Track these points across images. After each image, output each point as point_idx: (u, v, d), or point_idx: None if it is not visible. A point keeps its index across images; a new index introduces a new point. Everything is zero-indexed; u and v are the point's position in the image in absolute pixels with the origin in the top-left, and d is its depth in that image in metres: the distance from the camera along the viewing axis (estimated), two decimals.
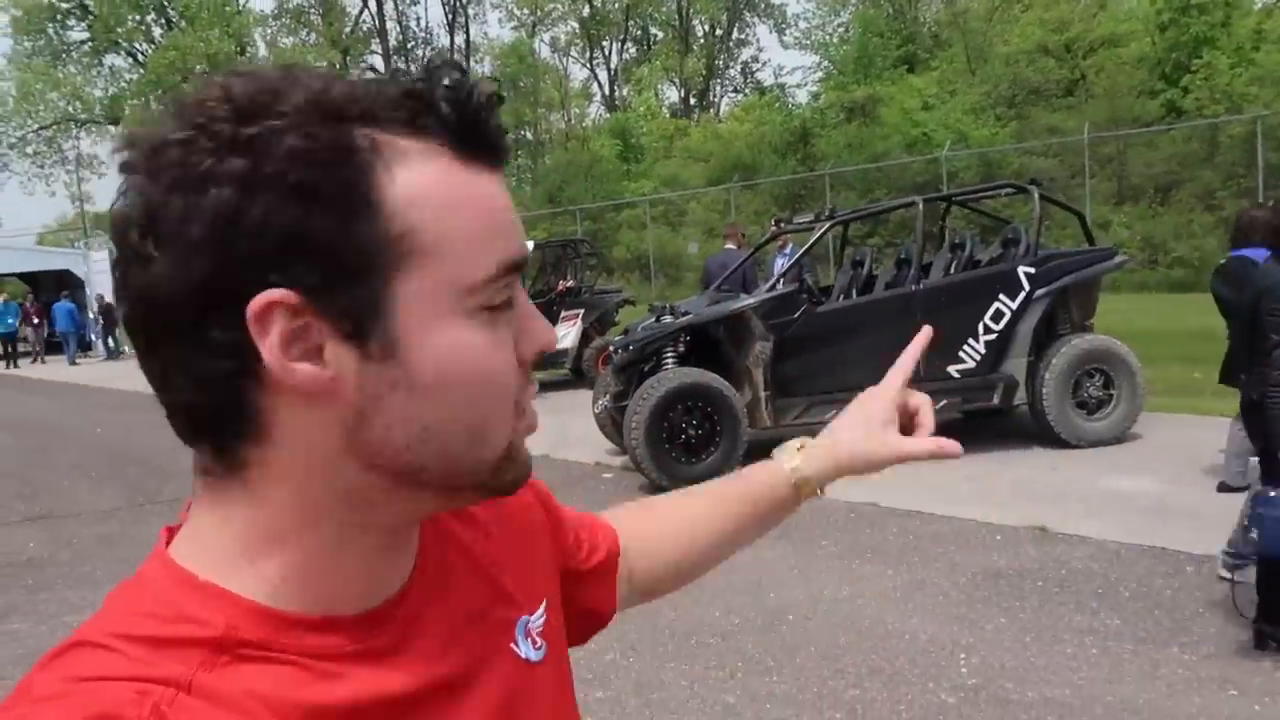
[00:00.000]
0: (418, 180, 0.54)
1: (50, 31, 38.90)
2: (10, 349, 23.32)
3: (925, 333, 0.99)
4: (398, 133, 0.54)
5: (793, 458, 0.95)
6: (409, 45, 46.84)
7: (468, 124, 0.56)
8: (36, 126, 40.09)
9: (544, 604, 0.73)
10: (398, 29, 46.23)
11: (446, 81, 0.55)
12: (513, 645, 0.68)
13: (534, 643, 0.70)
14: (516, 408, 0.59)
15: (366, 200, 0.52)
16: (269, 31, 40.51)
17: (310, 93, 0.52)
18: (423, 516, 0.62)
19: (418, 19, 59.27)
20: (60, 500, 7.88)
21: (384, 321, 0.53)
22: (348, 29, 42.39)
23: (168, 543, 0.59)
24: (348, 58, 42.37)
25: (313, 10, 41.71)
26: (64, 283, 26.03)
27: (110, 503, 7.59)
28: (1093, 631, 3.92)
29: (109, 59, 40.80)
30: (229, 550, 0.57)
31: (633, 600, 0.93)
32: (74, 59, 40.21)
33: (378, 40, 44.84)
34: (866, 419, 0.93)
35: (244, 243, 0.51)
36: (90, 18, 38.25)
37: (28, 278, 29.18)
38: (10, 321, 23.29)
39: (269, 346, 0.52)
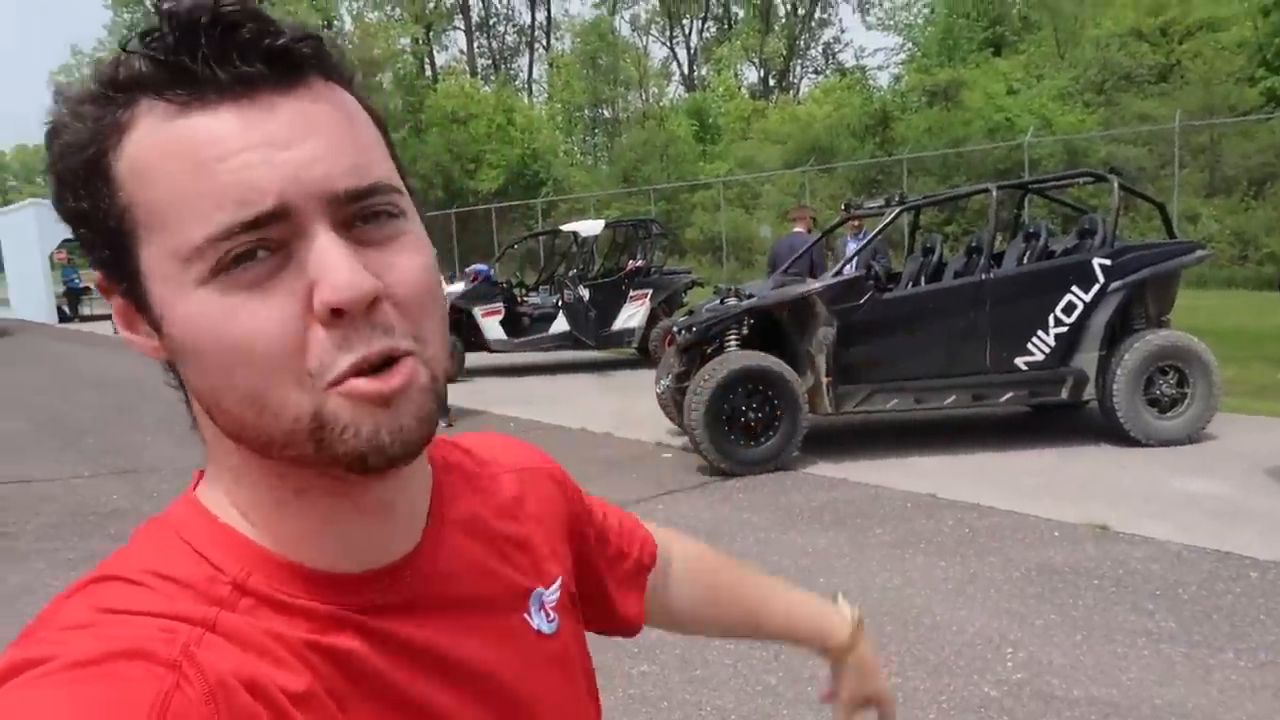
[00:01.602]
0: (131, 146, 0.53)
1: (147, 4, 40.22)
2: None
3: None
4: (140, 97, 0.53)
5: (849, 630, 1.01)
6: (490, 21, 47.27)
7: (171, 66, 0.52)
8: None
9: (558, 581, 0.74)
10: (480, 5, 46.66)
11: (149, 27, 0.53)
12: (526, 616, 0.69)
13: (547, 615, 0.71)
14: (303, 371, 0.53)
15: (106, 178, 0.53)
16: (355, 5, 41.19)
17: (90, 77, 0.54)
18: (319, 482, 0.57)
19: None
20: (144, 455, 8.26)
21: (146, 298, 0.55)
22: (431, 4, 42.87)
23: (196, 485, 0.63)
24: (430, 32, 42.89)
25: None
26: None
27: (191, 459, 7.83)
28: (1146, 633, 3.85)
29: None
30: (225, 496, 0.61)
31: (651, 618, 0.93)
32: None
33: (460, 16, 45.32)
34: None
35: (72, 229, 0.57)
36: None
37: None
38: None
39: (113, 317, 0.59)
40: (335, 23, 40.41)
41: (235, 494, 0.60)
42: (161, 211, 0.52)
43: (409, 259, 0.56)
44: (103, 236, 0.55)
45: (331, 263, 0.52)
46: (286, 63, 0.53)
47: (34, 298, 27.44)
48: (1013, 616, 4.09)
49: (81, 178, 0.54)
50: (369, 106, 0.60)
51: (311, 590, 0.58)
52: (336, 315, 0.52)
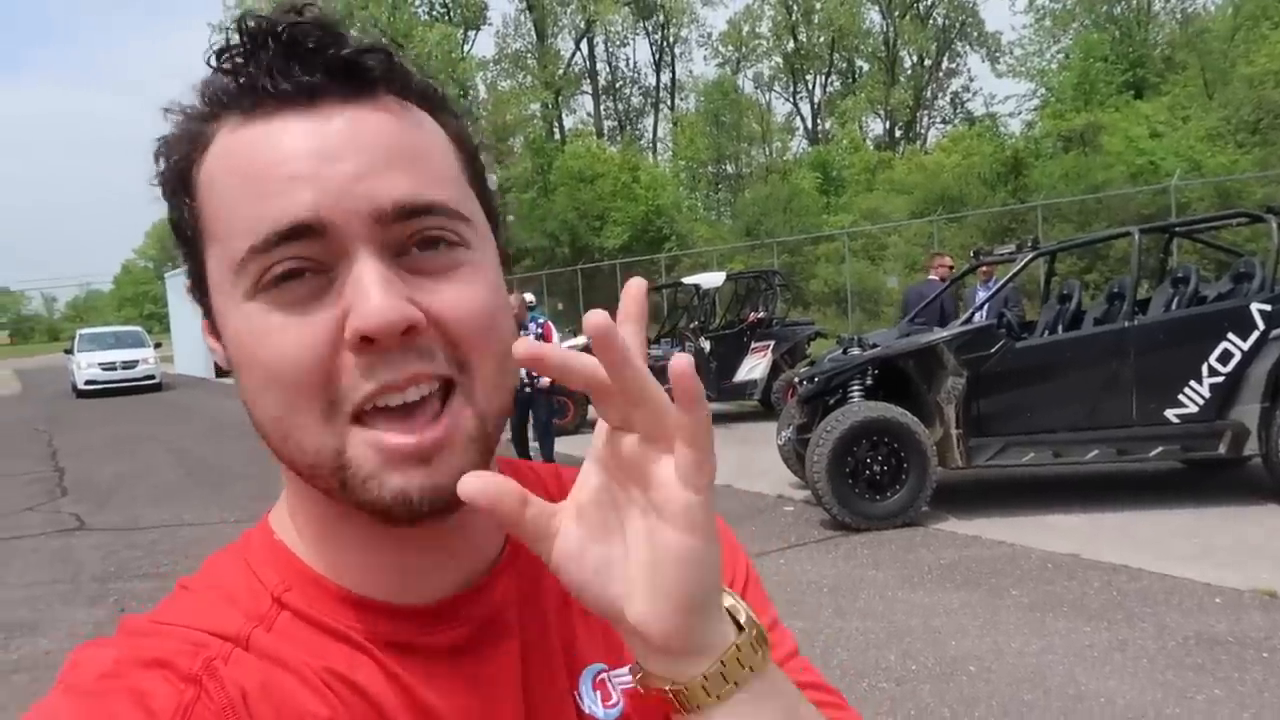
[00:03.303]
0: (209, 158, 0.53)
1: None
2: None
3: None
4: (222, 111, 0.54)
5: None
6: (617, 84, 48.60)
7: (241, 79, 0.52)
8: None
9: None
10: (607, 69, 48.11)
11: (222, 46, 0.53)
12: (575, 694, 0.62)
13: (606, 697, 0.62)
14: (326, 402, 0.51)
15: (189, 189, 0.55)
16: (489, 75, 43.09)
17: (192, 93, 0.55)
18: (359, 514, 0.54)
19: (626, 59, 61.54)
20: None
21: (212, 307, 0.55)
22: (560, 71, 44.46)
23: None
24: (559, 97, 44.41)
25: (529, 54, 44.09)
26: None
27: None
28: None
29: None
30: (287, 515, 0.61)
31: None
32: None
33: (588, 81, 46.78)
34: None
35: (173, 237, 0.57)
36: None
37: None
38: None
39: (201, 326, 0.58)
40: (470, 91, 42.39)
41: (295, 509, 0.60)
42: (220, 220, 0.52)
43: (462, 289, 0.53)
44: (185, 245, 0.56)
45: (366, 288, 0.49)
46: (352, 75, 0.52)
47: (194, 354, 29.43)
48: (1169, 689, 3.75)
49: (173, 188, 0.55)
50: (456, 132, 0.58)
51: (344, 614, 0.57)
52: (367, 342, 0.50)
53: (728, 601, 0.51)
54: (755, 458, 8.74)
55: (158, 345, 26.44)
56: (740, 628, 0.51)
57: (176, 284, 30.32)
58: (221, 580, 0.58)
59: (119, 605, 5.71)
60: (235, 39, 0.52)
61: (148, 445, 13.39)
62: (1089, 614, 4.62)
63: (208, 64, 0.54)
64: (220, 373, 28.25)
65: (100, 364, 23.71)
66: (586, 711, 0.61)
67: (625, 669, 0.62)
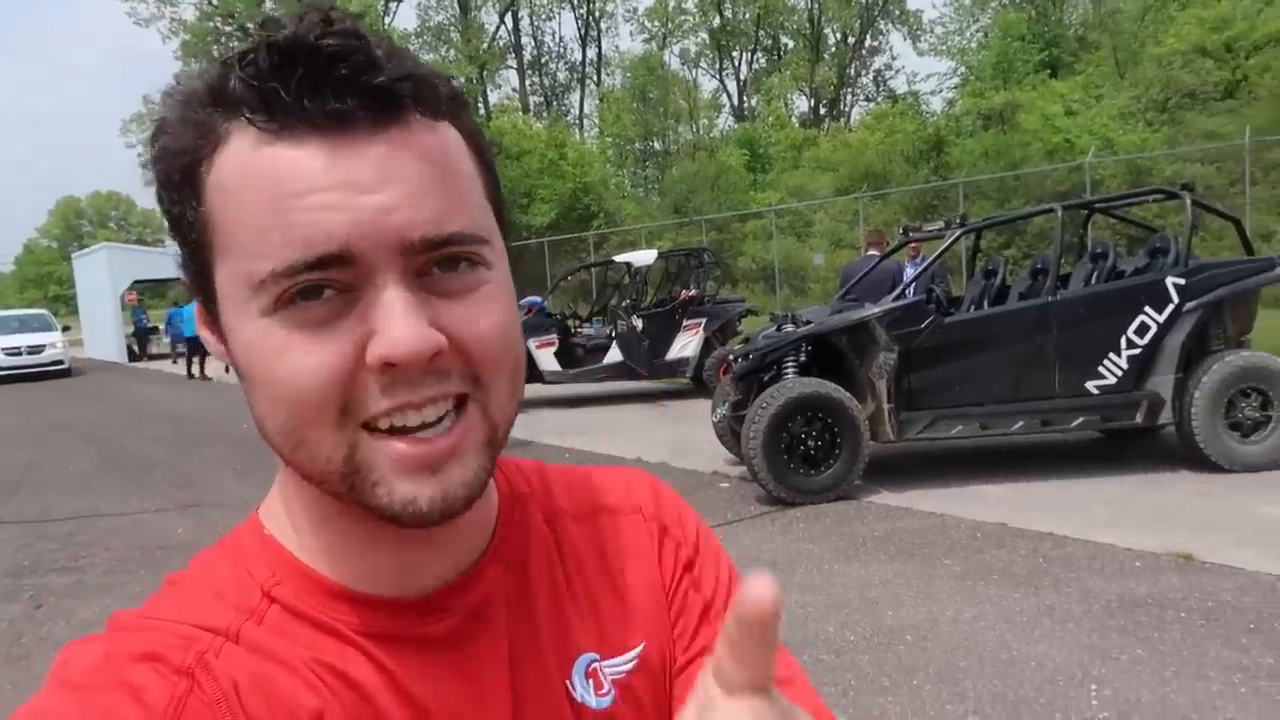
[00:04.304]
0: (222, 162, 0.51)
1: (214, 54, 41.65)
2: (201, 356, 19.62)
3: None
4: (236, 113, 0.51)
5: None
6: (542, 59, 48.04)
7: (264, 93, 0.50)
8: None
9: (636, 651, 0.65)
10: (533, 44, 47.49)
11: (249, 47, 0.51)
12: (567, 683, 0.62)
13: (599, 686, 0.63)
14: (347, 416, 0.51)
15: (195, 189, 0.53)
16: (411, 49, 42.12)
17: (199, 81, 0.53)
18: (359, 511, 0.55)
19: (552, 33, 60.88)
20: (208, 490, 8.38)
21: (217, 314, 0.55)
22: (485, 45, 43.74)
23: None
24: (484, 72, 43.72)
25: (453, 27, 43.26)
26: None
27: (252, 494, 7.99)
28: (1242, 669, 3.62)
29: None
30: (280, 509, 0.61)
31: None
32: None
33: (513, 55, 46.13)
34: None
35: (168, 227, 0.56)
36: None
37: None
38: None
39: (195, 315, 0.58)
40: None
41: (288, 502, 0.60)
42: (237, 236, 0.51)
43: (481, 311, 0.54)
44: (186, 245, 0.55)
45: (393, 317, 0.50)
46: (383, 101, 0.51)
47: (105, 337, 28.35)
48: (1095, 651, 3.89)
49: (176, 183, 0.53)
50: (473, 137, 0.58)
51: (335, 607, 0.57)
52: (389, 366, 0.50)
53: None
54: (690, 435, 8.79)
55: (66, 328, 25.37)
56: None
57: (84, 264, 29.10)
58: (210, 576, 0.58)
59: (35, 601, 5.47)
60: (257, 49, 0.50)
61: (58, 433, 12.85)
62: (1017, 581, 4.76)
63: (224, 64, 0.52)
64: (134, 356, 27.28)
65: (4, 349, 22.66)
66: (578, 700, 0.62)
67: (618, 659, 0.64)
